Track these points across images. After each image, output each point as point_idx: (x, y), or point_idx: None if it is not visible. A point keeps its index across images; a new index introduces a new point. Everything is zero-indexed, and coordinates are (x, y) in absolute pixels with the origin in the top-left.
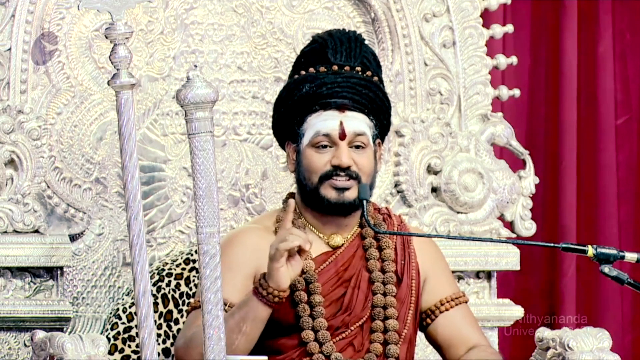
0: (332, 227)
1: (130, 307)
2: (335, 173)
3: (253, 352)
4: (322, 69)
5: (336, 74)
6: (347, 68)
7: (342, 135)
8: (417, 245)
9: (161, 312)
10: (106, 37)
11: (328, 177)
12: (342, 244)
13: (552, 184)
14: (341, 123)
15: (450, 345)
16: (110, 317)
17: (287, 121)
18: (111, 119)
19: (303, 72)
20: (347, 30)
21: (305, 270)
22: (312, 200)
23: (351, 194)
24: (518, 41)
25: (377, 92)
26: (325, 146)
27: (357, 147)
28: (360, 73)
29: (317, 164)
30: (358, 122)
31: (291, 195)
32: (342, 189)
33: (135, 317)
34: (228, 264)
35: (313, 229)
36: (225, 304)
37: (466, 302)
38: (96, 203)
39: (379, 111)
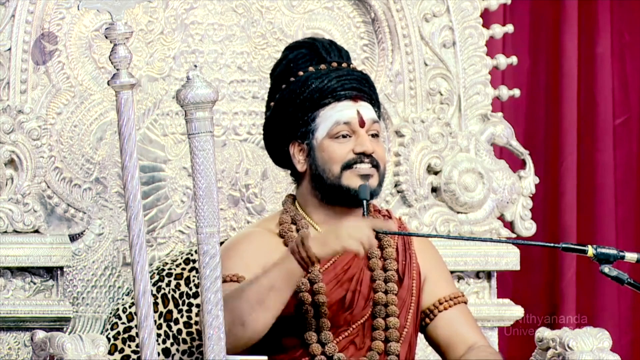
0: None
1: (130, 307)
2: (360, 160)
3: (253, 352)
4: (322, 66)
5: (337, 69)
6: (344, 65)
7: (362, 123)
8: (416, 246)
9: (161, 312)
10: (106, 37)
11: (350, 165)
12: None
13: (552, 184)
14: (358, 112)
15: (449, 344)
16: (110, 317)
17: (294, 121)
18: (111, 119)
19: (301, 73)
20: (316, 37)
21: (309, 270)
22: (333, 193)
23: (374, 182)
24: (518, 41)
25: (373, 86)
26: (344, 136)
27: (373, 135)
28: (355, 69)
29: (339, 154)
30: (371, 111)
31: (290, 197)
32: (366, 176)
33: (135, 317)
34: (240, 256)
35: (318, 228)
36: (237, 280)
37: (465, 302)
38: (96, 203)
39: (378, 104)
